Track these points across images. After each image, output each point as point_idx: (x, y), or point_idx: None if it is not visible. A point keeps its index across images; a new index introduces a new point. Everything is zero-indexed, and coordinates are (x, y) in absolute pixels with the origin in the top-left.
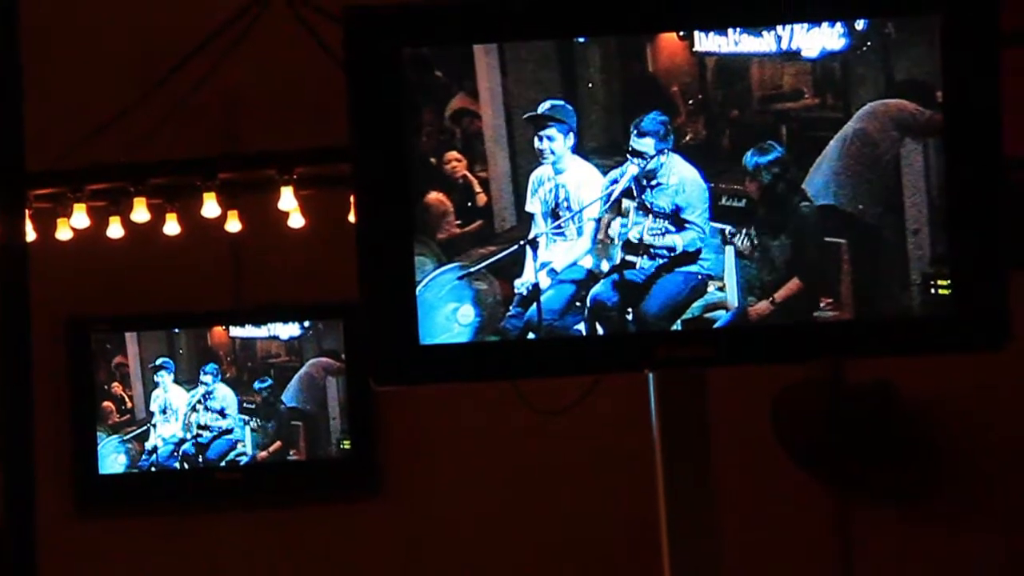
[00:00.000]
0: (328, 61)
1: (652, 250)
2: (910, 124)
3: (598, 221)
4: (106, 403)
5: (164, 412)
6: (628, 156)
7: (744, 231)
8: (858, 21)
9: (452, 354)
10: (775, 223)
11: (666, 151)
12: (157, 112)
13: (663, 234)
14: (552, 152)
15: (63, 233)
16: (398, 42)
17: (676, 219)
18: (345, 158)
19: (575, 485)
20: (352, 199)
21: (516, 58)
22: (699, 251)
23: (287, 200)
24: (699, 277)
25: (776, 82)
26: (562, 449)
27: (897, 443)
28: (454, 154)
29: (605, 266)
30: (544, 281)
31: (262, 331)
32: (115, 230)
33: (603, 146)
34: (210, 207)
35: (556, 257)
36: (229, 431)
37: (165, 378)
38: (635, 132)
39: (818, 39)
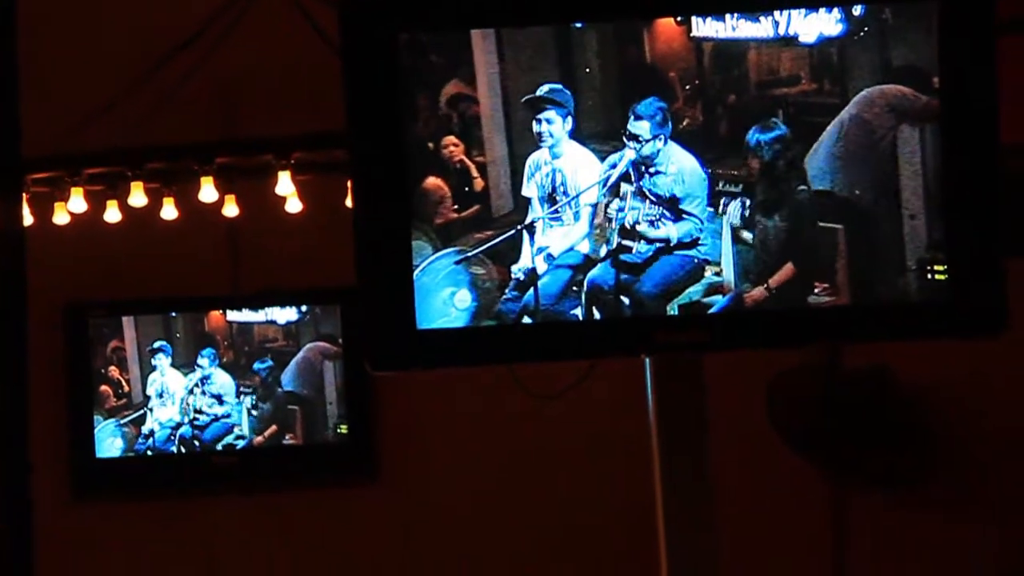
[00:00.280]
0: (324, 46)
1: (647, 239)
2: (907, 110)
3: (595, 206)
4: (103, 387)
5: (161, 396)
6: (624, 140)
7: (739, 200)
8: (855, 7)
9: (449, 339)
10: (772, 203)
11: (663, 137)
12: (154, 97)
13: (659, 223)
14: (550, 135)
15: (60, 217)
16: (394, 27)
17: (674, 208)
18: (342, 143)
19: (571, 470)
20: (349, 184)
21: (513, 43)
22: (696, 239)
23: (284, 185)
24: (695, 261)
25: (773, 67)
26: (558, 434)
27: (893, 429)
28: (451, 139)
29: (602, 251)
30: (541, 266)
31: (259, 316)
32: (112, 214)
33: (600, 131)
34: (207, 192)
35: (553, 242)
36: (227, 416)
37: (162, 362)
38: (632, 116)
39: (815, 24)
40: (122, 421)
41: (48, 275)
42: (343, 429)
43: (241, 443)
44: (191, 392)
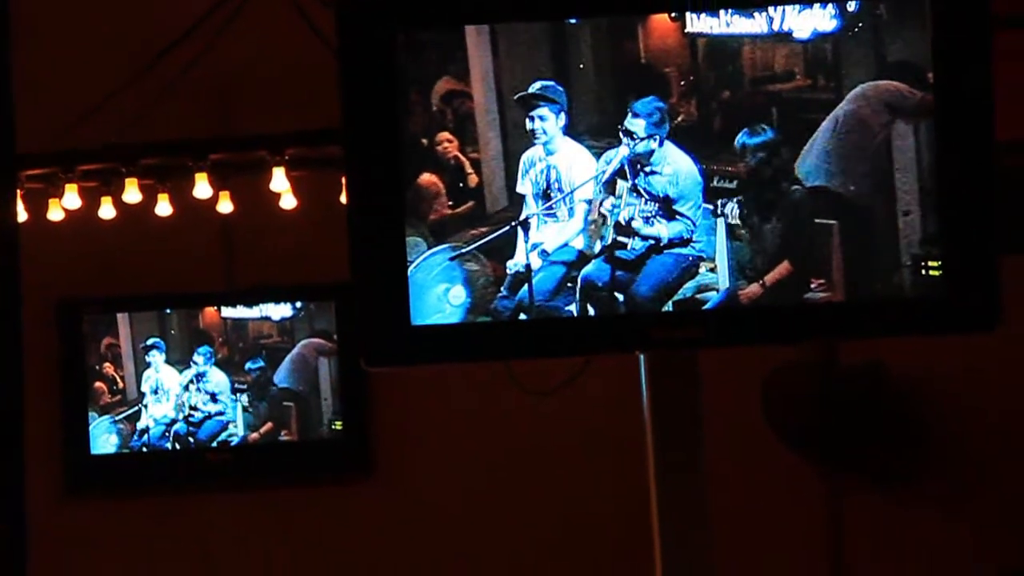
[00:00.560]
0: (318, 42)
1: (640, 236)
2: (902, 106)
3: (590, 202)
4: (98, 384)
5: (156, 393)
6: (620, 135)
7: (735, 200)
8: (850, 2)
9: (443, 335)
10: (765, 205)
11: (658, 137)
12: (149, 93)
13: (652, 219)
14: (544, 132)
15: (55, 214)
16: (390, 24)
17: (667, 208)
18: (337, 140)
19: (566, 466)
20: (344, 180)
21: (508, 39)
22: (687, 240)
23: (279, 181)
24: (690, 258)
25: (768, 63)
26: (553, 430)
27: (888, 425)
28: (446, 135)
29: (596, 247)
30: (535, 262)
31: (254, 312)
32: (107, 211)
33: (594, 127)
34: (202, 188)
35: (547, 238)
36: (221, 413)
37: (157, 358)
38: (630, 113)
39: (810, 20)
40: (117, 418)
41: (42, 271)
42: (338, 425)
43: (236, 440)
44: (186, 389)
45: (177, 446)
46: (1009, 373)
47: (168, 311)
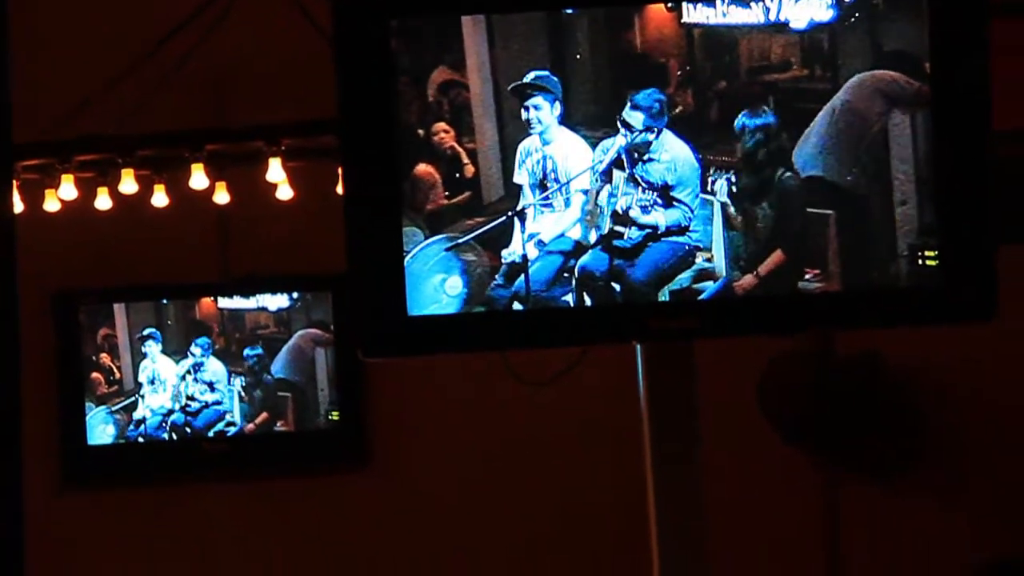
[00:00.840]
0: (315, 33)
1: (637, 225)
2: (898, 96)
3: (587, 192)
4: (94, 374)
5: (152, 383)
6: (618, 125)
7: (724, 177)
8: None
9: (440, 325)
10: (760, 189)
11: (656, 129)
12: (145, 84)
13: (649, 208)
14: (539, 122)
15: (51, 204)
16: (386, 13)
17: (665, 196)
18: (333, 130)
19: (563, 456)
20: (340, 171)
21: (504, 29)
22: (685, 227)
23: (275, 172)
24: (686, 247)
25: (764, 53)
26: (549, 420)
27: (884, 415)
28: (442, 125)
29: (593, 237)
30: (532, 252)
31: (250, 302)
32: (103, 201)
33: (591, 117)
34: (198, 179)
35: (544, 228)
36: (219, 403)
37: (153, 348)
38: (629, 104)
39: (806, 10)
40: (113, 408)
41: (39, 262)
42: (335, 416)
43: (232, 430)
44: (183, 379)
45: (174, 436)
46: (1005, 363)
47: (165, 301)
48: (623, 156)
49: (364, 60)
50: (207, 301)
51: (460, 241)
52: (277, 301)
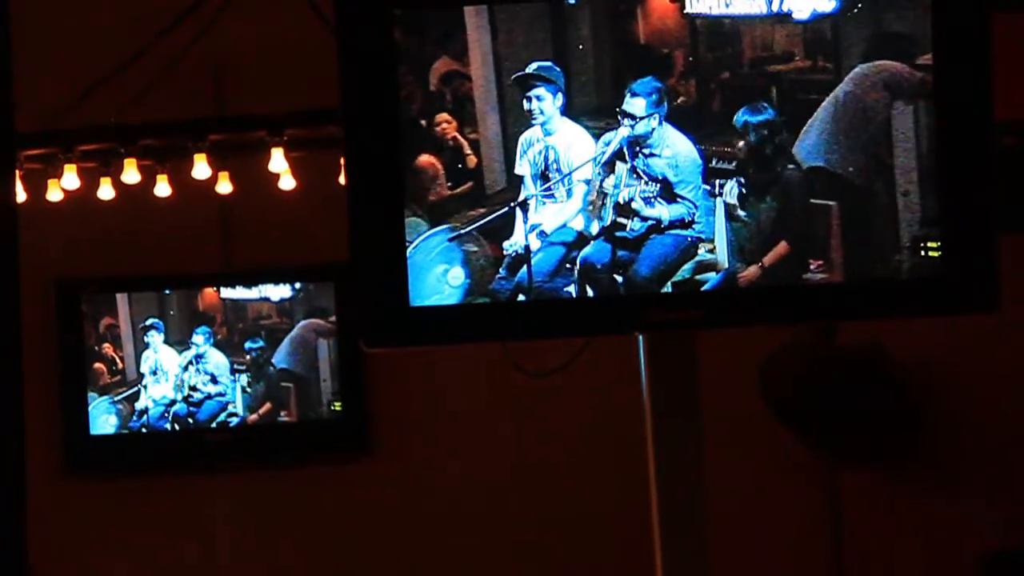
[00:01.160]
0: (318, 22)
1: (640, 216)
2: (901, 86)
3: (589, 183)
4: (97, 364)
5: (155, 373)
6: (619, 117)
7: (734, 179)
8: None
9: (442, 316)
10: (763, 183)
11: (658, 116)
12: (148, 73)
13: (652, 200)
14: (541, 112)
15: (54, 194)
16: (389, 3)
17: (667, 190)
18: (335, 120)
19: (565, 446)
20: (343, 161)
21: (506, 19)
22: (689, 221)
23: (278, 162)
24: (689, 239)
25: (767, 44)
26: (552, 410)
27: (886, 406)
28: (444, 116)
29: (595, 228)
30: (534, 243)
31: (253, 293)
32: (106, 191)
33: (593, 108)
34: (201, 169)
35: (546, 219)
36: (221, 394)
37: (155, 339)
38: (628, 94)
39: (809, 1)
40: (116, 398)
41: (41, 252)
42: (337, 406)
43: (235, 420)
44: (185, 369)
45: (176, 427)
46: (1008, 354)
47: (167, 292)
48: (625, 148)
49: (367, 50)
50: (210, 291)
51: (462, 232)
52: (280, 291)
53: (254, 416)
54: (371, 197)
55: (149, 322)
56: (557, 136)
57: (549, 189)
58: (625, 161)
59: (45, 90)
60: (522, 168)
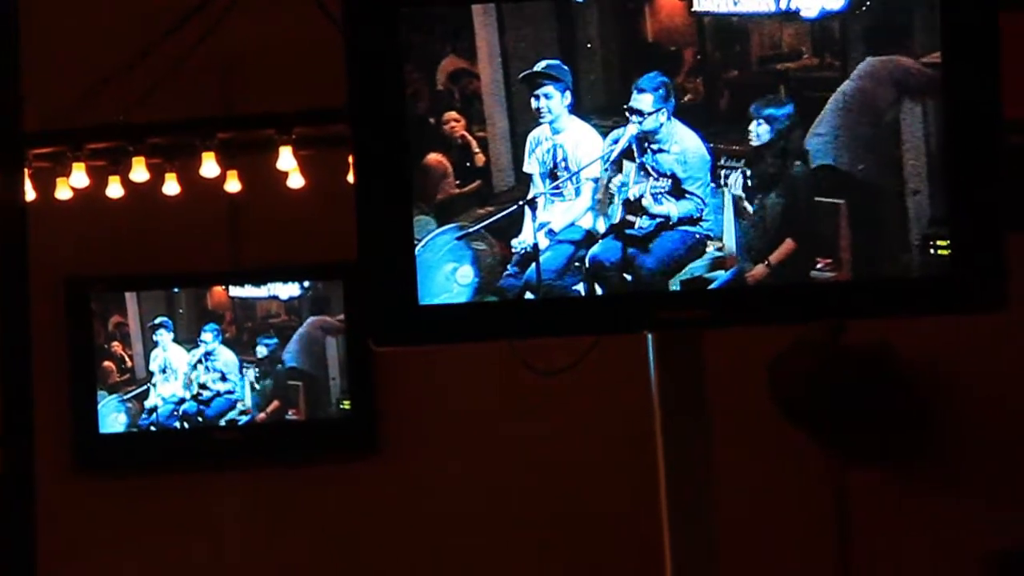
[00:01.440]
0: (326, 21)
1: (649, 214)
2: (909, 84)
3: (597, 181)
4: (106, 363)
5: (164, 372)
6: (627, 114)
7: (739, 171)
8: None
9: (451, 314)
10: (769, 178)
11: (665, 111)
12: (156, 72)
13: (662, 198)
14: (549, 111)
15: (62, 193)
16: (396, 2)
17: (676, 187)
18: (344, 118)
19: (573, 445)
20: (351, 159)
21: (514, 18)
22: (697, 218)
23: (286, 160)
24: (697, 237)
25: (775, 42)
26: (560, 409)
27: (892, 405)
28: (452, 114)
29: (603, 226)
30: (543, 241)
31: (262, 291)
32: (114, 190)
33: (601, 106)
34: (209, 167)
35: (554, 217)
36: (230, 392)
37: (164, 337)
38: (635, 90)
39: None
40: (125, 397)
41: (50, 251)
42: (346, 405)
43: (244, 419)
44: (194, 368)
45: (185, 425)
46: (1016, 352)
47: (176, 290)
48: (633, 145)
49: (375, 48)
50: (218, 290)
51: (471, 230)
52: (288, 290)
53: (263, 414)
54: (380, 195)
55: (158, 320)
56: (565, 134)
57: (557, 187)
58: (633, 159)
59: (53, 89)
60: (530, 166)
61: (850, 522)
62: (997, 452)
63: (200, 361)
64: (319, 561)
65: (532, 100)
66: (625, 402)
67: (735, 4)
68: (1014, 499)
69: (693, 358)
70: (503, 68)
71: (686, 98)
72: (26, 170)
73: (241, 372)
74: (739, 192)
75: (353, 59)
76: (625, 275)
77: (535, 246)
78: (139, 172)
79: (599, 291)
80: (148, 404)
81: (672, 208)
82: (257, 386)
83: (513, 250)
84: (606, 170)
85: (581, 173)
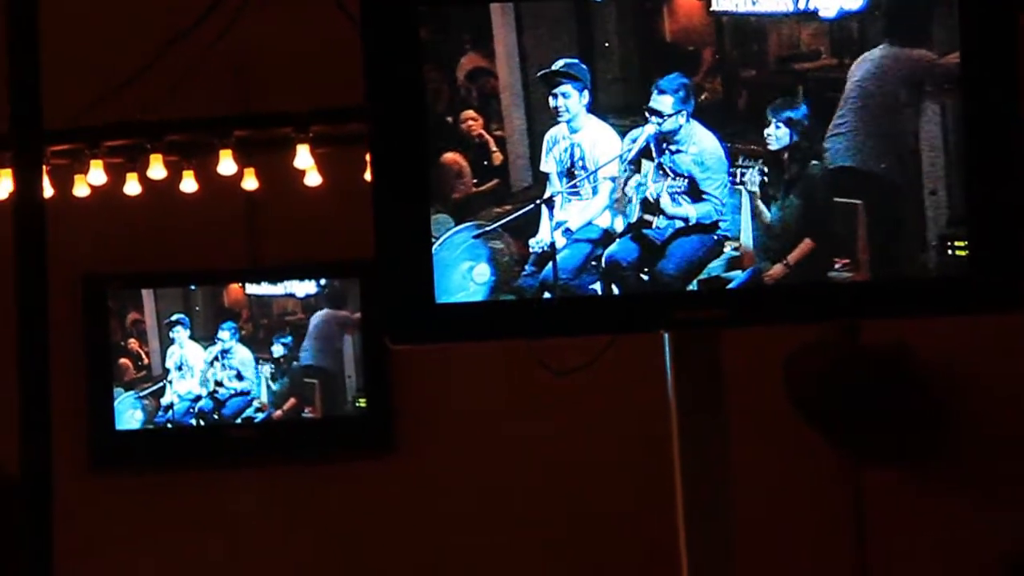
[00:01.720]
0: (344, 19)
1: (667, 215)
2: (928, 85)
3: (615, 180)
4: (123, 360)
5: (180, 369)
6: (646, 115)
7: (755, 168)
8: None
9: (468, 313)
10: (789, 178)
11: (685, 113)
12: (173, 70)
13: (680, 198)
14: (567, 110)
15: (80, 190)
16: (414, 1)
17: (693, 188)
18: (361, 117)
19: (588, 445)
20: (368, 157)
21: (532, 17)
22: (716, 221)
23: (303, 158)
24: (715, 237)
25: (793, 42)
26: (575, 409)
27: (911, 405)
28: (470, 113)
29: (620, 225)
30: (559, 240)
31: (278, 289)
32: (132, 187)
33: (619, 106)
34: (226, 165)
35: (571, 216)
36: (247, 391)
37: (181, 334)
38: (655, 91)
39: None
40: (142, 394)
41: (68, 248)
42: (362, 403)
43: (260, 416)
44: (211, 365)
45: (202, 422)
46: None
47: (193, 287)
48: (652, 145)
49: (392, 47)
50: (235, 287)
51: (488, 229)
52: (305, 287)
53: (279, 412)
54: (397, 194)
55: (175, 318)
56: (583, 133)
57: (575, 186)
58: (651, 158)
59: (71, 87)
60: (548, 165)
61: (866, 522)
62: (1013, 453)
63: (217, 359)
64: (334, 558)
65: (550, 99)
66: (639, 402)
67: (753, 4)
68: None
69: (710, 358)
70: (521, 67)
71: (703, 97)
72: (44, 167)
73: (257, 370)
74: (755, 189)
75: (371, 58)
76: (642, 275)
77: (552, 245)
78: (157, 170)
79: (616, 290)
80: (164, 401)
81: (690, 210)
82: (273, 384)
83: (530, 249)
84: (624, 170)
85: (599, 172)
